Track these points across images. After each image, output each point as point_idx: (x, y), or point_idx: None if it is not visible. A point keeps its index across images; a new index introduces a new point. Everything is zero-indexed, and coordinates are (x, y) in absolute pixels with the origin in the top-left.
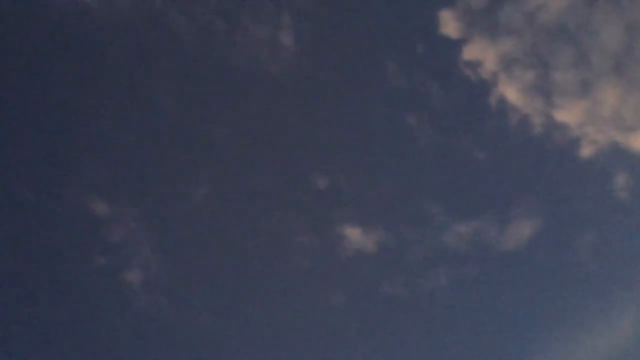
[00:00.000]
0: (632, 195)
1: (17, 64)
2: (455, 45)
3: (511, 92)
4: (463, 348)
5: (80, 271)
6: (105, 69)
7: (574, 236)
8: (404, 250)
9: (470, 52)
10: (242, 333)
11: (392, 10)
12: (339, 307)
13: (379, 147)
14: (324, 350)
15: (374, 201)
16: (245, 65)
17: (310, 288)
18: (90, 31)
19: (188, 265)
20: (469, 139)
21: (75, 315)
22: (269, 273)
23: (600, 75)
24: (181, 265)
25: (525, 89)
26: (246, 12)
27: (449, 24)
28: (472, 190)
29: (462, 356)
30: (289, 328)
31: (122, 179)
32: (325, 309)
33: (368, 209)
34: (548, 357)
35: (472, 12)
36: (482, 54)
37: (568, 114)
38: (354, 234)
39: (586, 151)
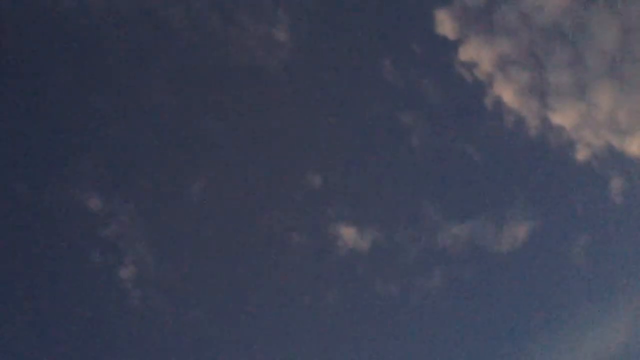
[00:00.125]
0: (627, 198)
1: (12, 60)
2: (451, 45)
3: (507, 94)
4: (456, 348)
5: (74, 266)
6: (101, 64)
7: (569, 238)
8: (398, 250)
9: (466, 53)
10: (236, 330)
11: (389, 9)
12: (333, 305)
13: (374, 146)
14: (316, 348)
15: (368, 200)
16: (241, 62)
17: (304, 286)
18: (86, 27)
19: (182, 261)
20: (464, 140)
21: (68, 310)
22: (262, 271)
23: (595, 78)
24: (175, 262)
25: (520, 91)
26: (242, 9)
27: (445, 24)
28: (467, 192)
29: (456, 356)
30: (282, 325)
31: (116, 175)
32: (319, 307)
33: (362, 209)
34: (543, 357)
35: (469, 12)
36: (478, 55)
37: (563, 117)
38: (348, 233)
39: (581, 154)
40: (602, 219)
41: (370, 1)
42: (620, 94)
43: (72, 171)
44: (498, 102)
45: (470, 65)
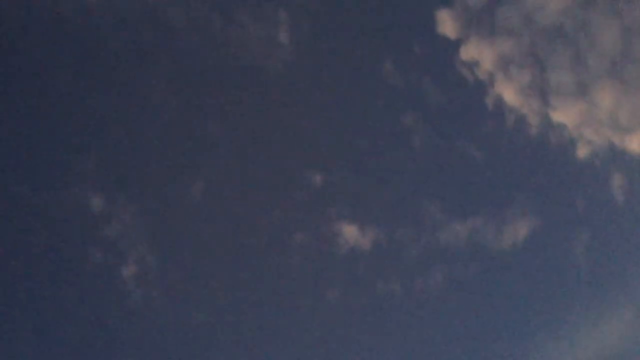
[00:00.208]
0: (628, 196)
1: (13, 59)
2: (453, 45)
3: (508, 93)
4: (458, 347)
5: (75, 266)
6: (101, 64)
7: (570, 237)
8: (400, 249)
9: (467, 52)
10: (237, 329)
11: (390, 9)
12: (334, 304)
13: (375, 145)
14: (318, 347)
15: (369, 199)
16: (242, 62)
17: (305, 285)
18: (86, 26)
19: (183, 261)
20: (466, 139)
21: (69, 310)
22: (264, 269)
23: (596, 77)
24: (176, 261)
25: (522, 90)
26: (243, 9)
27: (447, 24)
28: (468, 190)
29: (457, 355)
30: (283, 325)
31: (118, 174)
32: (320, 306)
33: (364, 207)
34: (543, 357)
35: (470, 12)
36: (479, 54)
37: (564, 115)
38: (349, 232)
39: (582, 152)
40: (604, 217)
41: (371, 1)
42: (622, 93)
43: (74, 171)
44: (499, 101)
45: (472, 65)
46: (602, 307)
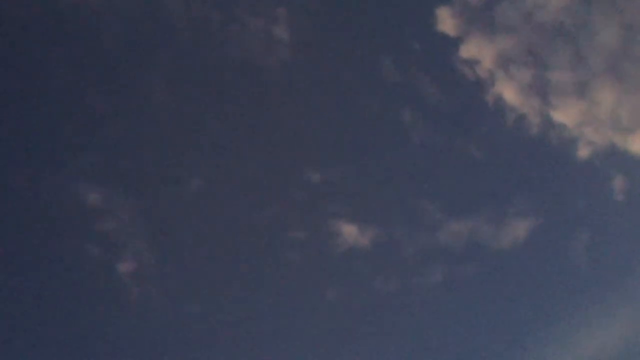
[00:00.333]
0: (628, 196)
1: (11, 55)
2: (452, 43)
3: (508, 91)
4: (456, 346)
5: (71, 261)
6: (99, 59)
7: (570, 236)
8: (398, 247)
9: (467, 50)
10: (235, 326)
11: (389, 6)
12: (332, 302)
13: (373, 143)
14: (316, 346)
15: (368, 197)
16: (240, 59)
17: (303, 283)
18: (84, 21)
19: (180, 257)
20: (465, 137)
21: (66, 306)
22: (261, 267)
23: (597, 76)
24: (174, 257)
25: (522, 88)
26: (242, 5)
27: (446, 22)
28: (467, 189)
29: (456, 354)
30: (281, 322)
31: (115, 169)
32: (318, 305)
33: (362, 205)
34: (542, 356)
35: (470, 9)
36: (479, 52)
37: (565, 115)
38: (347, 230)
39: (583, 152)
40: (604, 217)
41: None
42: (622, 92)
43: (71, 166)
44: (499, 100)
45: (472, 63)
46: (602, 307)
